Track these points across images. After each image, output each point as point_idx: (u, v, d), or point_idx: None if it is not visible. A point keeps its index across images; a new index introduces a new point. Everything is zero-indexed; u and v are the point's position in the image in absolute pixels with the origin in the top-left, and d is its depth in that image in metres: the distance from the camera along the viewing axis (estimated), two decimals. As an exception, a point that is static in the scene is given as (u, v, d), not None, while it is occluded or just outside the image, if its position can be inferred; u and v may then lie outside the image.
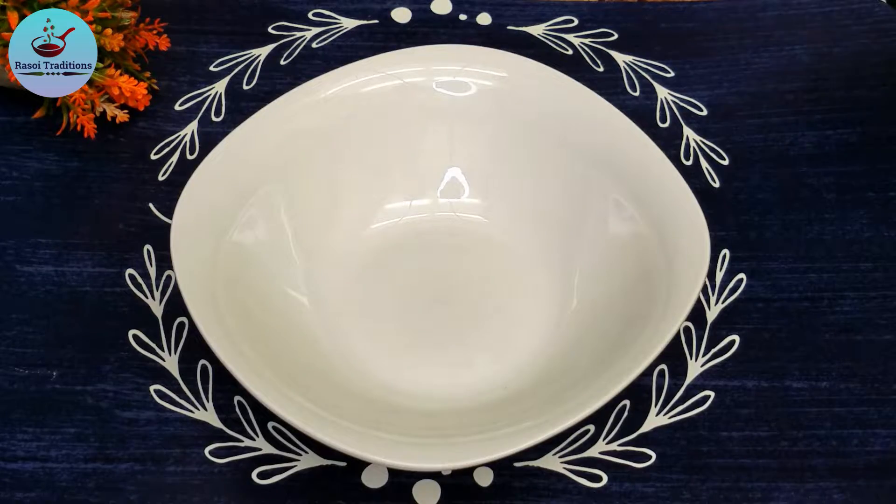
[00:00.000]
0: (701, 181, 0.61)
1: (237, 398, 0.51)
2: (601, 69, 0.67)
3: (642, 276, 0.50)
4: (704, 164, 0.62)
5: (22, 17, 0.54)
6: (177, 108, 0.64)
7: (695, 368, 0.53)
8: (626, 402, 0.52)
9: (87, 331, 0.54)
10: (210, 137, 0.62)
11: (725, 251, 0.57)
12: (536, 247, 0.56)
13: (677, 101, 0.65)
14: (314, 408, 0.44)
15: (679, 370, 0.53)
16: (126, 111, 0.60)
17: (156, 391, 0.52)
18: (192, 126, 0.63)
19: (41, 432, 0.50)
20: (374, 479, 0.49)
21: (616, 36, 0.69)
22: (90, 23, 0.55)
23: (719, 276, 0.57)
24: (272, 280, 0.52)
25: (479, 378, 0.51)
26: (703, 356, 0.54)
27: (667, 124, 0.64)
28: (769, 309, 0.55)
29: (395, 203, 0.58)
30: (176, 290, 0.55)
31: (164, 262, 0.56)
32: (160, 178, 0.60)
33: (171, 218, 0.50)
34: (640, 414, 0.51)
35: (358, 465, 0.49)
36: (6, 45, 0.54)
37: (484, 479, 0.49)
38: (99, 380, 0.52)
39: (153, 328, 0.54)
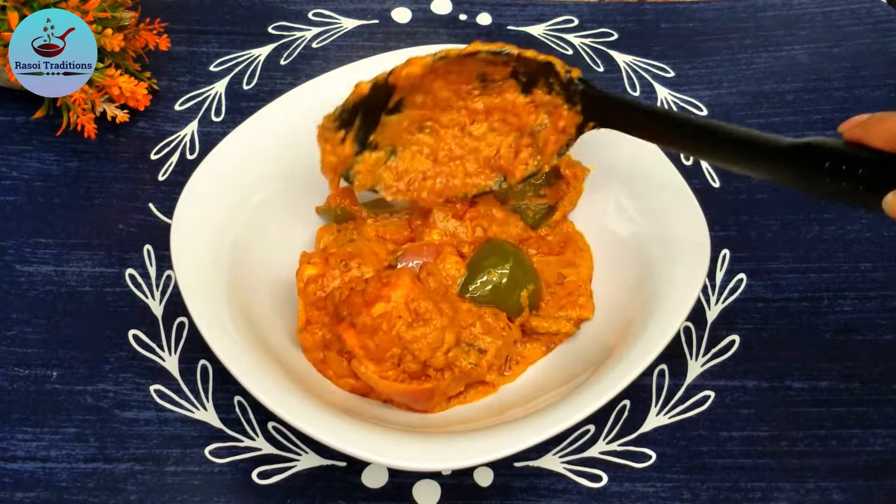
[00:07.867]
0: (701, 181, 0.61)
1: (237, 398, 0.51)
2: (601, 69, 0.67)
3: (642, 276, 0.50)
4: (704, 164, 0.62)
5: (22, 17, 0.54)
6: (177, 108, 0.64)
7: (695, 368, 0.53)
8: (626, 402, 0.52)
9: (87, 331, 0.54)
10: (210, 137, 0.62)
11: (725, 251, 0.57)
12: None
13: (677, 101, 0.65)
14: (314, 408, 0.44)
15: (679, 370, 0.53)
16: (126, 111, 0.60)
17: (156, 391, 0.52)
18: (192, 126, 0.63)
19: (41, 432, 0.50)
20: (374, 479, 0.49)
21: (616, 36, 0.69)
22: (90, 23, 0.55)
23: (719, 276, 0.57)
24: (272, 280, 0.52)
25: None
26: (703, 356, 0.54)
27: (667, 124, 0.64)
28: (769, 309, 0.55)
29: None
30: (176, 290, 0.55)
31: (164, 262, 0.56)
32: (160, 178, 0.60)
33: (171, 218, 0.50)
34: (640, 414, 0.51)
35: (358, 465, 0.49)
36: (6, 45, 0.54)
37: (484, 479, 0.49)
38: (99, 380, 0.52)
39: (153, 328, 0.54)
